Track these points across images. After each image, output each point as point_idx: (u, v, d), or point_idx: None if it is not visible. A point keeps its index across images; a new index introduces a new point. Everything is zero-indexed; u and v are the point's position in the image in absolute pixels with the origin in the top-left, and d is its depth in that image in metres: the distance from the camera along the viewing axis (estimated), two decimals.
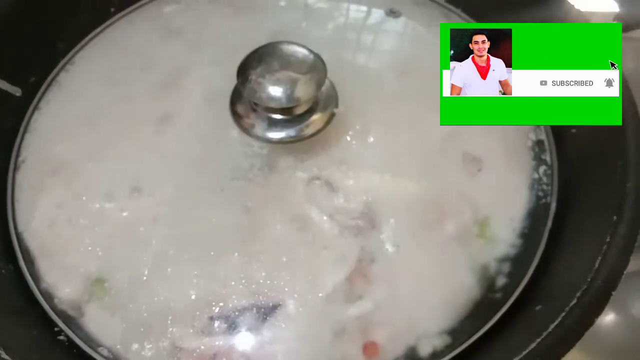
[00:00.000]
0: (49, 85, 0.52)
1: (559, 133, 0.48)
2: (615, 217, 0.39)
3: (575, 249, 0.41)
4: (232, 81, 0.44)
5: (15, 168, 0.49)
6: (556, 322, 0.35)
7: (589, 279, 0.37)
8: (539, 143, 0.51)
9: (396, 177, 0.49)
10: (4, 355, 0.34)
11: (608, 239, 0.38)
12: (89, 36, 0.55)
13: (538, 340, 0.35)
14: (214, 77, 0.51)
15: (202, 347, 0.40)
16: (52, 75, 0.53)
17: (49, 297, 0.43)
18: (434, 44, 0.56)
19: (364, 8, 0.58)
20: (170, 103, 0.51)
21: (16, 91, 0.49)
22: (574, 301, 0.36)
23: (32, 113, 0.51)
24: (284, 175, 0.47)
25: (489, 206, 0.48)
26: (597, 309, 0.36)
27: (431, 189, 0.49)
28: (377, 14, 0.58)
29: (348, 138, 0.49)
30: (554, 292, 0.40)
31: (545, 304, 0.39)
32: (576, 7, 0.48)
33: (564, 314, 0.36)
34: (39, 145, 0.50)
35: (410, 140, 0.51)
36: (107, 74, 0.53)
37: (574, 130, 0.47)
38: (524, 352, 0.34)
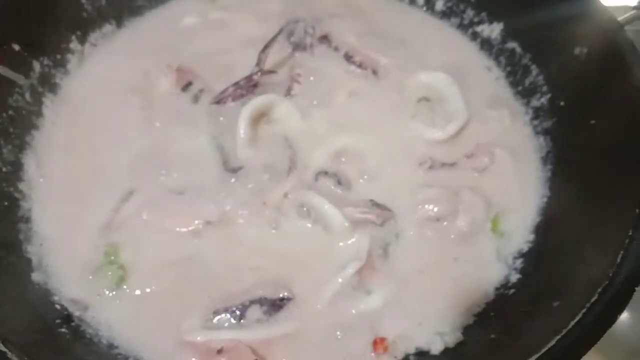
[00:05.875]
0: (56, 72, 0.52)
1: (577, 125, 0.47)
2: (637, 210, 0.38)
3: (594, 243, 0.40)
4: None
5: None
6: (576, 319, 0.34)
7: (610, 274, 0.35)
8: (554, 136, 0.50)
9: (407, 172, 0.48)
10: (2, 348, 0.33)
11: (630, 233, 0.36)
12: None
13: (558, 337, 0.33)
14: None
15: (209, 341, 0.39)
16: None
17: (54, 288, 0.42)
18: None
19: None
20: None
21: (19, 78, 0.48)
22: (595, 297, 0.34)
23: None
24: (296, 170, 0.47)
25: (502, 201, 0.48)
26: (620, 305, 0.34)
27: (444, 184, 0.48)
28: None
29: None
30: (572, 288, 0.38)
31: (563, 299, 0.38)
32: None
33: (584, 310, 0.34)
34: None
35: (421, 135, 0.50)
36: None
37: (593, 122, 0.45)
38: (543, 350, 0.33)
